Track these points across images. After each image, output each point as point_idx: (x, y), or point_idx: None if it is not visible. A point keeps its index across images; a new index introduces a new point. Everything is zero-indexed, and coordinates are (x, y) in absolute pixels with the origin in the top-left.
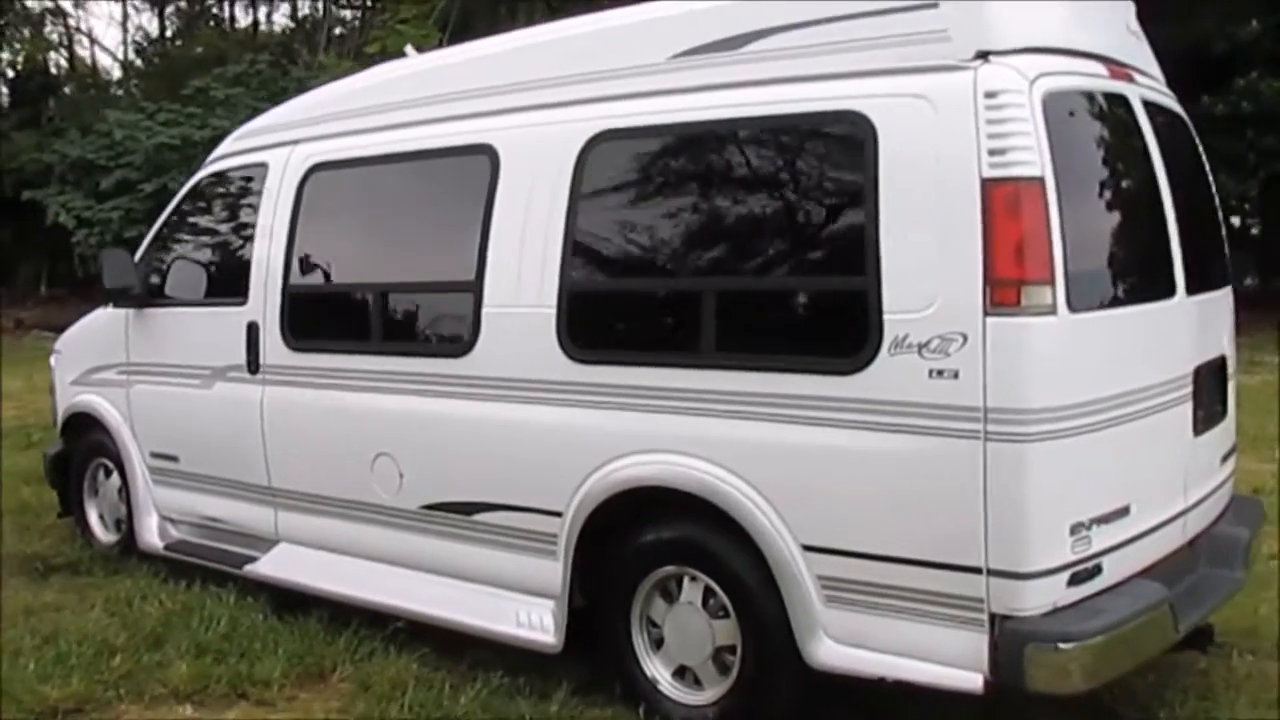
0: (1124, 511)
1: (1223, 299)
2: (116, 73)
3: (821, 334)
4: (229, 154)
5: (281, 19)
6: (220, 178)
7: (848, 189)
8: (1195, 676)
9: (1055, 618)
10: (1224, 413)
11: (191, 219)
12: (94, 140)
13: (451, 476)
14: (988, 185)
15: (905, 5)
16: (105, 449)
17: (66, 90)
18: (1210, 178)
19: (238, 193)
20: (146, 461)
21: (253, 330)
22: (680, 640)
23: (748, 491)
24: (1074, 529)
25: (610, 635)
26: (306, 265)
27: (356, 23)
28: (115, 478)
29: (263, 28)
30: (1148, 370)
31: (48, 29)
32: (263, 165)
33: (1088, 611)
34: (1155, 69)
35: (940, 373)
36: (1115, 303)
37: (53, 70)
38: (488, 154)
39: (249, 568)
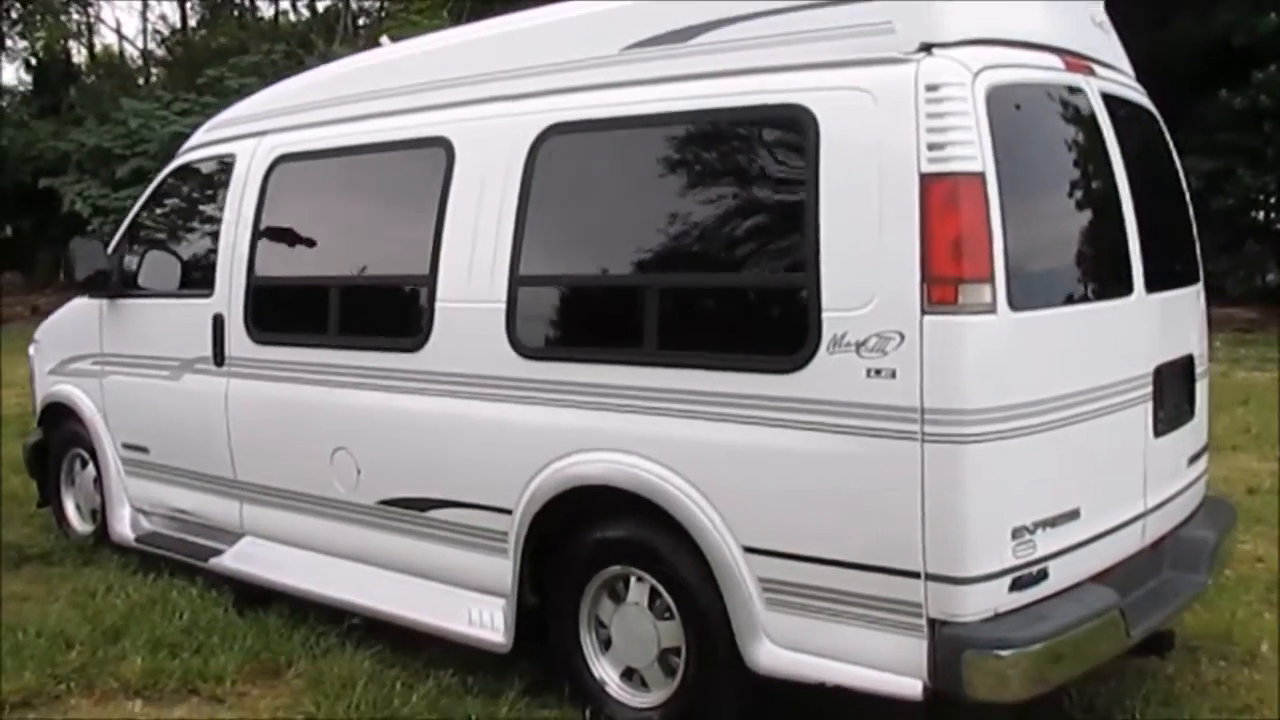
0: (1073, 515)
1: (1191, 297)
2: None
3: (762, 332)
4: (200, 144)
5: (305, 10)
6: (191, 168)
7: (790, 184)
8: (1161, 682)
9: (996, 623)
10: (1191, 413)
11: (163, 209)
12: (111, 129)
13: (407, 472)
14: (926, 180)
15: None
16: (81, 439)
17: (87, 79)
18: (1181, 173)
19: (207, 184)
20: (119, 453)
21: (218, 322)
22: (627, 641)
23: (689, 491)
24: (1016, 533)
25: (559, 635)
26: (269, 258)
27: (382, 14)
28: (91, 468)
29: (290, 18)
30: (1100, 370)
31: (69, 17)
32: (231, 156)
33: (1031, 617)
34: (1123, 62)
35: (878, 372)
36: (1063, 301)
37: (74, 59)
38: (443, 147)
39: (214, 561)
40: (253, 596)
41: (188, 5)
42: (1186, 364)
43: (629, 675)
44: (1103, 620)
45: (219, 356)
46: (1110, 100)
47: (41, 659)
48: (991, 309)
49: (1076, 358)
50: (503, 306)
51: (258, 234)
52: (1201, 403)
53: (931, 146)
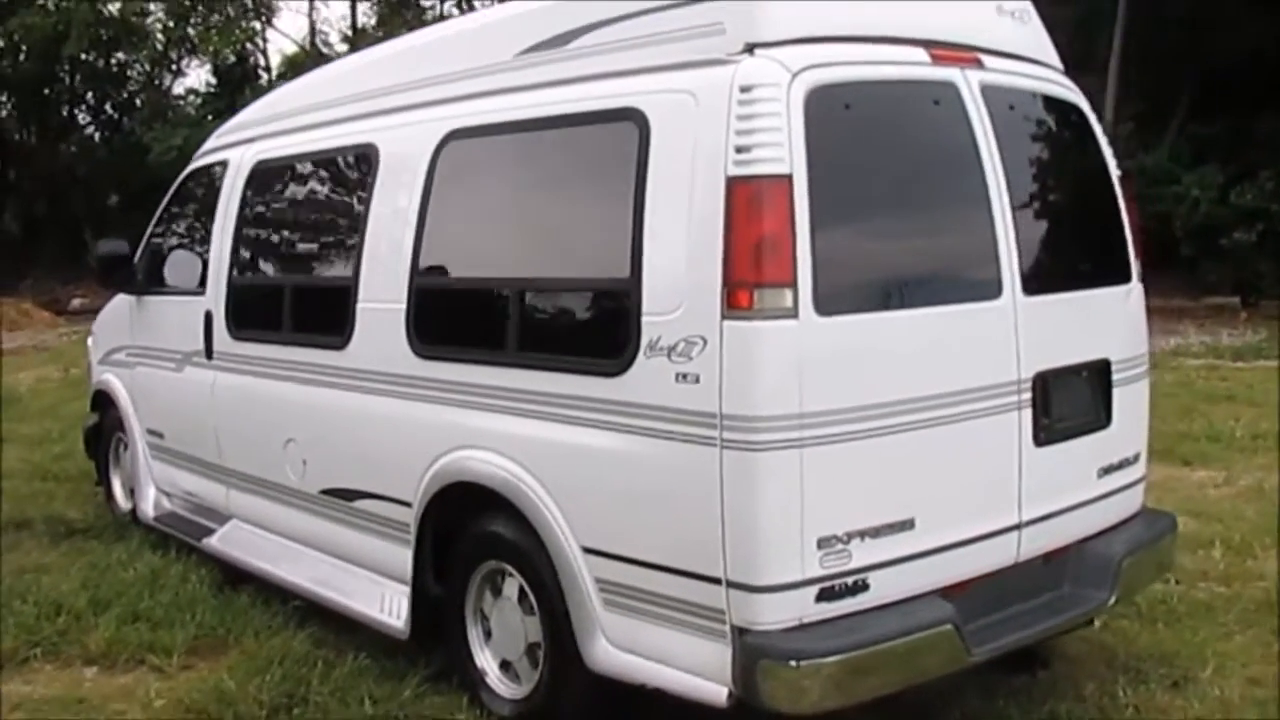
0: (905, 525)
1: (1112, 298)
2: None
3: (596, 335)
4: (208, 150)
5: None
6: (199, 172)
7: (626, 188)
8: (1068, 703)
9: (797, 634)
10: (1106, 421)
11: (175, 212)
12: None
13: (338, 464)
14: (731, 184)
15: None
16: (122, 424)
17: (260, 81)
18: (1112, 170)
19: (207, 188)
20: (145, 437)
21: (208, 319)
22: (503, 634)
23: (539, 491)
24: (824, 542)
25: (450, 625)
26: (243, 258)
27: None
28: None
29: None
30: (943, 375)
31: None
32: (224, 162)
33: (839, 629)
34: (1041, 53)
35: (685, 377)
36: (890, 305)
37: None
38: (371, 153)
39: (205, 541)
40: (239, 576)
41: (360, 5)
42: (1097, 369)
43: (506, 667)
44: (927, 636)
45: (209, 351)
46: (997, 93)
47: (25, 626)
48: (793, 314)
49: (907, 363)
50: (403, 307)
51: (237, 235)
52: (1131, 410)
53: (739, 149)
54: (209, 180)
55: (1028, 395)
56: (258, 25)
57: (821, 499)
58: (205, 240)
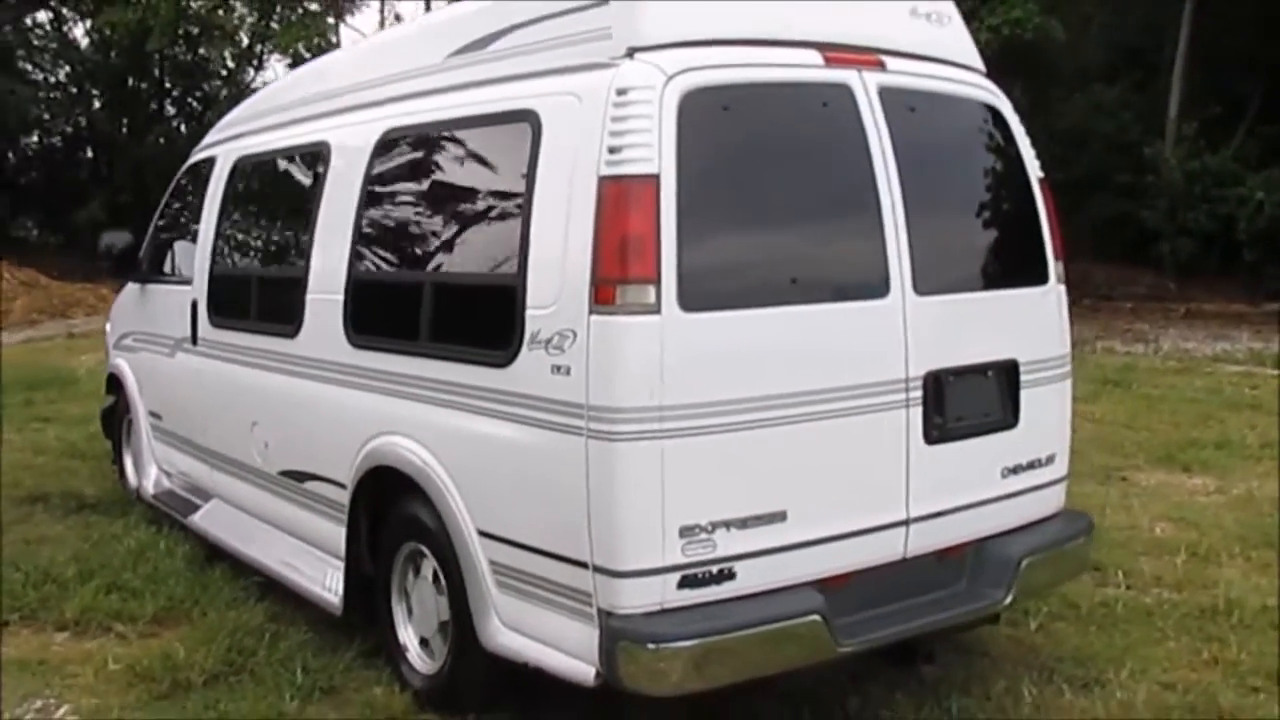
0: (776, 517)
1: (1021, 299)
2: None
3: (490, 327)
4: (202, 146)
5: None
6: (194, 167)
7: (520, 187)
8: (971, 698)
9: (657, 618)
10: (1013, 421)
11: (174, 204)
12: None
13: (292, 447)
14: (603, 183)
15: (585, 4)
16: (130, 405)
17: None
18: (1031, 172)
19: (199, 182)
20: (147, 419)
21: (194, 307)
22: (421, 612)
23: (444, 476)
24: (686, 531)
25: (379, 602)
26: (221, 249)
27: None
28: None
29: None
30: (820, 372)
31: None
32: (213, 159)
33: (701, 615)
34: (958, 54)
35: (559, 369)
36: (761, 303)
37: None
38: (325, 151)
39: (189, 518)
40: (217, 552)
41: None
42: (1003, 370)
43: (425, 643)
44: (792, 625)
45: (194, 337)
46: (898, 95)
47: (11, 593)
48: (655, 309)
49: (780, 359)
50: (341, 298)
51: (218, 228)
52: (1045, 411)
53: (611, 149)
54: (201, 175)
55: (918, 394)
56: (331, 20)
57: (684, 489)
58: (194, 234)
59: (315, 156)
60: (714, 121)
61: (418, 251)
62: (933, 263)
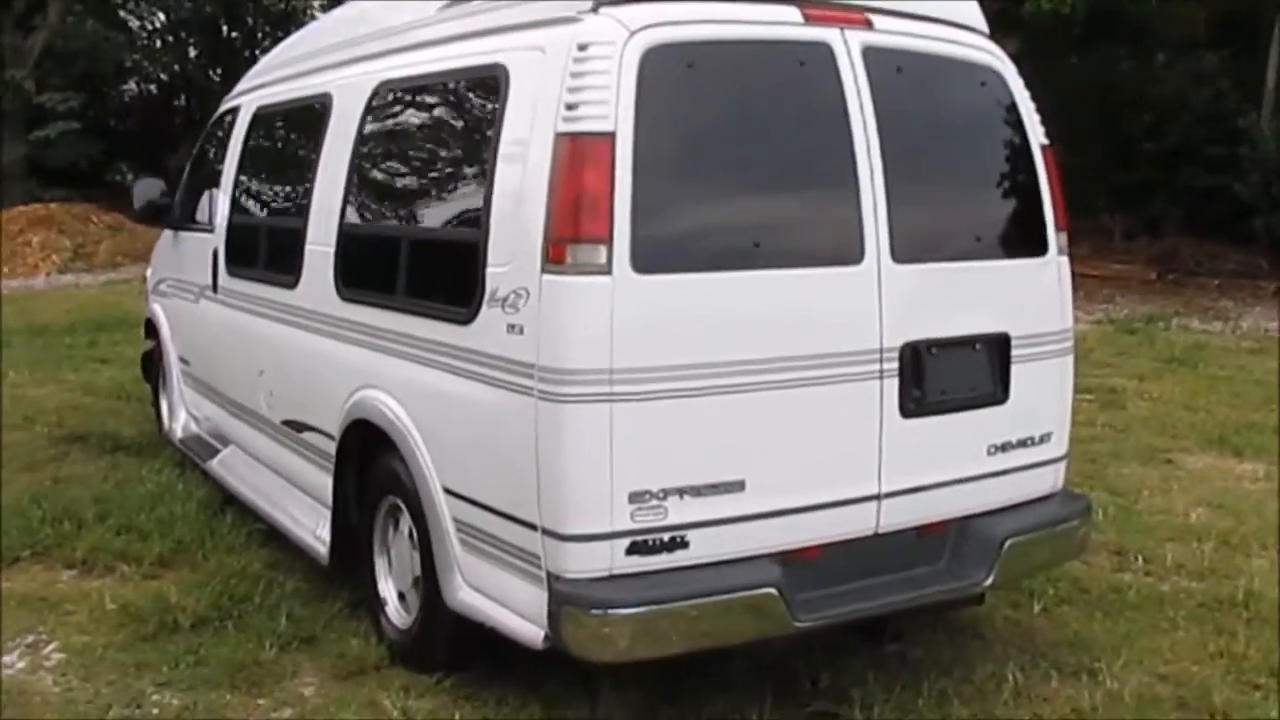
0: (733, 487)
1: (1017, 270)
2: None
3: (456, 283)
4: (232, 95)
5: None
6: (222, 116)
7: (486, 142)
8: (951, 681)
9: (605, 584)
10: (1003, 397)
11: (204, 152)
12: None
13: (292, 397)
14: (559, 140)
15: None
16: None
17: None
18: (1033, 139)
19: (225, 131)
20: (178, 364)
21: (215, 255)
22: (399, 566)
23: (414, 432)
24: (636, 497)
25: (363, 554)
26: (239, 199)
27: None
28: None
29: None
30: (787, 339)
31: None
32: (237, 108)
33: (649, 583)
34: (958, 14)
35: (513, 327)
36: (721, 266)
37: None
38: (328, 102)
39: (207, 463)
40: (230, 497)
41: None
42: (993, 343)
43: (402, 598)
44: (745, 597)
45: (214, 285)
46: (883, 55)
47: (28, 529)
48: (606, 270)
49: (741, 325)
50: (333, 250)
51: (237, 177)
52: (1040, 387)
53: (569, 106)
54: (225, 124)
55: (893, 365)
56: None
57: (634, 454)
58: (218, 183)
59: (321, 108)
60: (678, 79)
61: (397, 206)
62: (915, 230)
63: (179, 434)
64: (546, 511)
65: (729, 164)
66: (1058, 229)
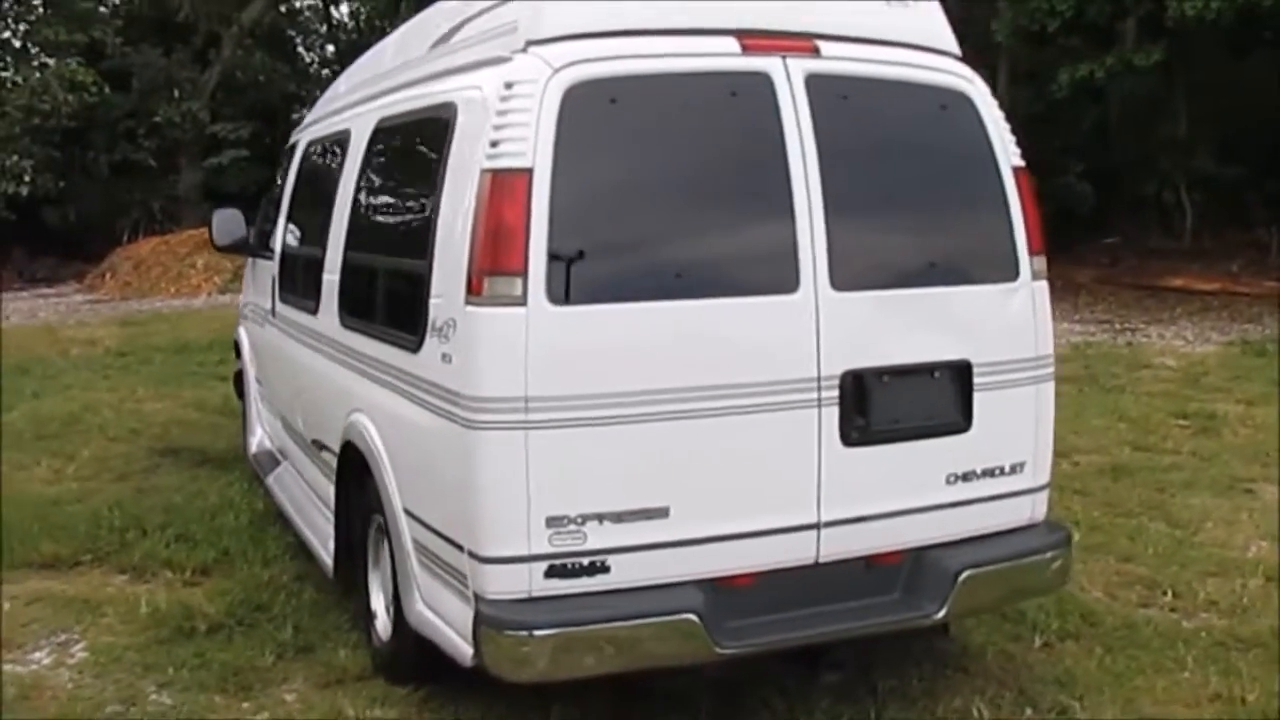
0: (656, 513)
1: (978, 296)
2: None
3: (410, 313)
4: (298, 129)
5: None
6: (288, 150)
7: (438, 178)
8: (915, 712)
9: (523, 606)
10: (965, 425)
11: (272, 184)
12: None
13: (314, 417)
14: (482, 175)
15: None
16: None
17: None
18: (1001, 161)
19: (287, 163)
20: (254, 384)
21: (273, 283)
22: (384, 583)
23: (384, 455)
24: (553, 521)
25: (360, 569)
26: (288, 229)
27: None
28: None
29: None
30: (713, 368)
31: None
32: (298, 142)
33: (566, 606)
34: (925, 36)
35: (445, 356)
36: (642, 296)
37: None
38: (346, 138)
39: (267, 478)
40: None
41: None
42: (952, 370)
43: (388, 612)
44: (663, 623)
45: (273, 309)
46: (829, 82)
47: (92, 536)
48: (521, 301)
49: (664, 354)
50: (338, 278)
51: (290, 209)
52: (1009, 416)
53: (493, 143)
54: (289, 156)
55: (833, 393)
56: None
57: (552, 480)
58: (280, 210)
59: (343, 143)
60: (600, 115)
61: (375, 236)
62: (859, 258)
63: (253, 449)
64: (468, 534)
65: (654, 197)
66: (1032, 253)
